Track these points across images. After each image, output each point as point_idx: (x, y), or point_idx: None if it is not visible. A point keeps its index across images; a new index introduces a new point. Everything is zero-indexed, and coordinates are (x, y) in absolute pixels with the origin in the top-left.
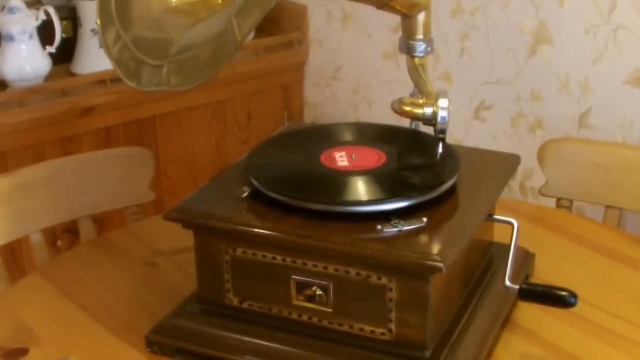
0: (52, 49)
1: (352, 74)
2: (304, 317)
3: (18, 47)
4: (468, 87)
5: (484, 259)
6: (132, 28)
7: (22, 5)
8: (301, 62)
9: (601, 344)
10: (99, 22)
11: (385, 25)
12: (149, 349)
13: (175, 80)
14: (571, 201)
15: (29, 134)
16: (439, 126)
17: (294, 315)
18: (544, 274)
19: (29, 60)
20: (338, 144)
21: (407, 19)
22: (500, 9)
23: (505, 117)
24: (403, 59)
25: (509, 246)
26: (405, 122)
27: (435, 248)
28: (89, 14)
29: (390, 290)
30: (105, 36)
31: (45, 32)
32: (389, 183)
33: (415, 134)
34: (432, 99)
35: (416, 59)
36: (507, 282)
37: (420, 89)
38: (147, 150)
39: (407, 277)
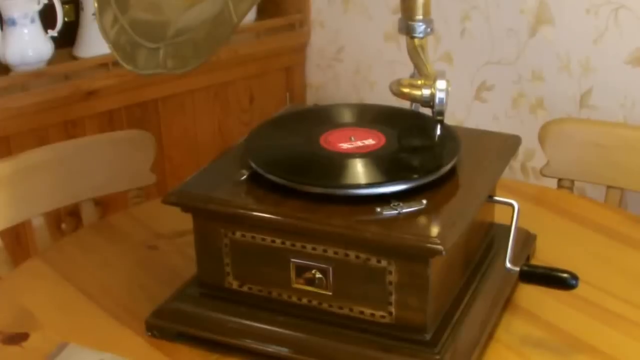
0: (54, 32)
1: (354, 55)
2: (304, 301)
3: (20, 31)
4: (469, 68)
5: (484, 241)
6: (129, 10)
7: None
8: (303, 44)
9: (602, 325)
10: (96, 4)
11: (386, 6)
12: (149, 333)
13: (172, 63)
14: (572, 181)
15: (32, 118)
16: (436, 108)
17: (294, 299)
18: (545, 255)
19: (31, 45)
20: (338, 125)
21: None
22: None
23: (507, 97)
24: (404, 40)
25: (510, 228)
26: (406, 104)
27: (435, 230)
28: None
29: (390, 273)
30: (103, 19)
31: (47, 16)
32: (388, 165)
33: (415, 116)
34: (431, 81)
35: (416, 40)
36: (508, 264)
37: (419, 70)
38: (148, 133)
39: (406, 259)
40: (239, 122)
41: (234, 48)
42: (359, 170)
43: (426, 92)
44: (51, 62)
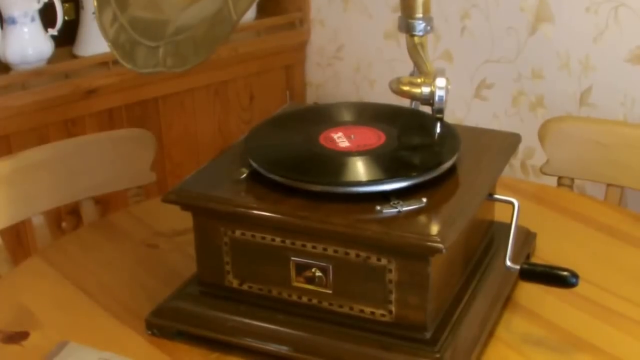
0: (54, 31)
1: (354, 53)
2: (304, 299)
3: (20, 30)
4: (469, 66)
5: (484, 239)
6: (128, 9)
7: None
8: (303, 42)
9: (602, 324)
10: (96, 3)
11: (386, 4)
12: (149, 332)
13: (171, 61)
14: (572, 179)
15: (32, 116)
16: (436, 106)
17: (294, 297)
18: (545, 253)
19: (31, 43)
20: (337, 124)
21: None
22: None
23: (507, 95)
24: (404, 38)
25: (510, 226)
26: (406, 102)
27: (435, 229)
28: None
29: (390, 271)
30: (102, 18)
31: (47, 15)
32: (388, 163)
33: (415, 114)
34: (431, 79)
35: (415, 38)
36: (508, 262)
37: (419, 68)
38: (148, 132)
39: (406, 258)
40: (239, 120)
41: (234, 46)
42: (359, 168)
43: (426, 90)
44: (51, 60)
